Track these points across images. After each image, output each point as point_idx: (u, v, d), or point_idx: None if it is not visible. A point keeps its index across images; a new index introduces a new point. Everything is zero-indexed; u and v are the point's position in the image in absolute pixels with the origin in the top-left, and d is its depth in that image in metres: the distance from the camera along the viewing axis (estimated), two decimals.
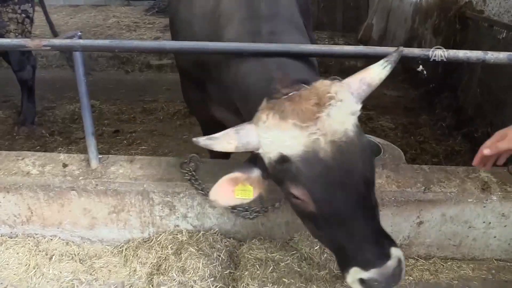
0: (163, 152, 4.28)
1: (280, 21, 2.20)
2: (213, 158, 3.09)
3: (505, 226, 2.61)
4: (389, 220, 2.57)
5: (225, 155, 3.08)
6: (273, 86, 1.70)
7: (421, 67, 2.45)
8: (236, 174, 1.73)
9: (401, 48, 1.87)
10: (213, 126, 3.14)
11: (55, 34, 5.13)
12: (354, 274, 1.62)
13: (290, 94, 1.66)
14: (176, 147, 4.39)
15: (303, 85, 1.67)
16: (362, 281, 1.61)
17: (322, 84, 1.65)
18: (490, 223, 2.61)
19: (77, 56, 2.42)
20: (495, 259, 2.73)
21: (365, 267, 1.60)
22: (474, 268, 2.69)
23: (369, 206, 1.66)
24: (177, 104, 5.35)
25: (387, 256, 1.61)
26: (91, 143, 2.67)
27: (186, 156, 2.73)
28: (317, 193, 1.59)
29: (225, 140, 1.66)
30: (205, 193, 2.51)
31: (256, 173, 1.75)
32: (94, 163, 2.71)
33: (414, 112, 5.40)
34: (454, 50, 2.23)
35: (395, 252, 1.63)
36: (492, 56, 2.24)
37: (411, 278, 2.60)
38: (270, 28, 2.13)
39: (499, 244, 2.69)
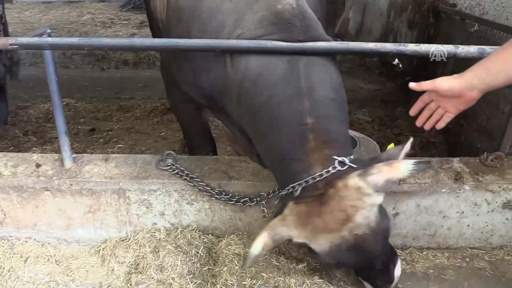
0: (141, 149, 4.24)
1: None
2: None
3: (477, 215, 2.67)
4: None
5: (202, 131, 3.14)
6: (304, 170, 1.90)
7: (396, 60, 2.48)
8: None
9: (433, 160, 2.30)
10: (201, 136, 3.15)
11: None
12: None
13: (317, 192, 1.85)
14: (154, 144, 4.35)
15: (334, 169, 1.84)
16: None
17: (349, 190, 1.79)
18: (463, 212, 2.66)
19: (47, 55, 2.37)
20: (469, 247, 2.80)
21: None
22: (449, 256, 2.75)
23: (382, 257, 2.02)
24: (154, 101, 5.30)
25: (390, 281, 2.08)
26: (64, 142, 2.62)
27: (162, 154, 2.71)
28: (335, 267, 2.23)
29: (263, 246, 1.90)
30: (194, 182, 2.53)
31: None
32: (68, 163, 2.66)
33: (391, 105, 5.46)
34: (426, 45, 2.26)
35: (397, 272, 2.09)
36: (463, 50, 2.27)
37: None
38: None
39: (473, 232, 2.75)
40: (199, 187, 2.51)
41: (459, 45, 2.29)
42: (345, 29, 7.66)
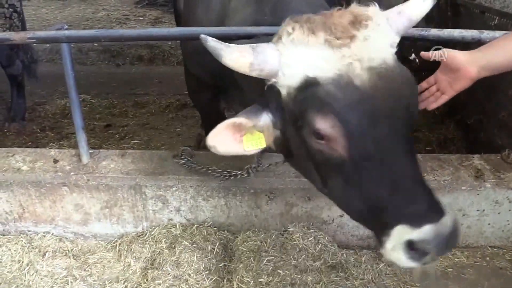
0: (156, 145, 4.24)
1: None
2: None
3: (499, 213, 2.62)
4: None
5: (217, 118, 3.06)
6: None
7: (413, 55, 2.43)
8: (240, 120, 1.45)
9: None
10: (216, 122, 3.14)
11: None
12: (400, 235, 1.25)
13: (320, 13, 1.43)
14: (169, 140, 4.35)
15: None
16: (409, 244, 1.24)
17: (357, 7, 1.41)
18: (484, 210, 2.61)
19: (64, 48, 2.38)
20: (489, 246, 2.74)
21: (415, 223, 1.23)
22: (468, 255, 2.70)
23: (412, 148, 1.36)
24: (169, 97, 5.29)
25: (442, 211, 1.27)
26: (82, 138, 2.64)
27: (178, 149, 2.71)
28: (352, 124, 1.26)
29: (238, 51, 1.38)
30: (210, 173, 2.48)
31: (264, 118, 1.47)
32: (85, 158, 2.68)
33: None
34: (449, 30, 2.21)
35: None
36: (488, 35, 2.22)
37: None
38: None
39: (493, 231, 2.69)
40: (222, 175, 2.46)
41: (484, 30, 2.23)
42: None
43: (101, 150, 2.84)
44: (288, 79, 1.37)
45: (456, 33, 2.20)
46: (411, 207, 1.26)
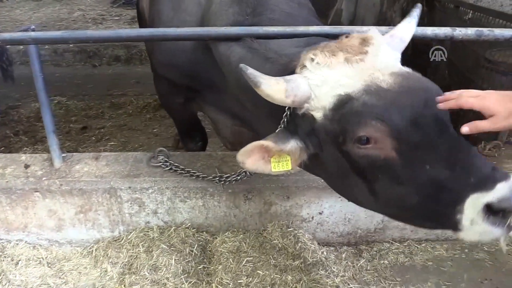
0: (133, 147, 4.17)
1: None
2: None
3: None
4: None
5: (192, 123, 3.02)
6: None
7: None
8: (268, 143, 1.54)
9: (419, 4, 1.86)
10: (191, 126, 3.11)
11: None
12: (475, 204, 1.23)
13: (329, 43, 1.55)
14: (146, 141, 4.29)
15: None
16: (488, 209, 1.22)
17: (359, 34, 1.56)
18: None
19: (32, 50, 2.30)
20: None
21: (487, 186, 1.22)
22: (447, 248, 2.72)
23: (452, 127, 1.40)
24: (146, 97, 5.22)
25: (506, 172, 1.27)
26: (53, 142, 2.57)
27: (154, 151, 2.65)
28: (394, 121, 1.32)
29: (274, 79, 1.48)
30: (190, 174, 2.47)
31: (292, 144, 1.56)
32: (57, 162, 2.60)
33: None
34: (422, 28, 2.21)
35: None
36: (461, 32, 2.23)
37: (386, 262, 2.60)
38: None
39: None
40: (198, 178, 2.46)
41: (456, 28, 2.24)
42: (338, 20, 7.59)
43: (74, 153, 2.76)
44: (320, 101, 1.46)
45: (429, 31, 2.20)
46: (476, 175, 1.26)
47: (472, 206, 1.24)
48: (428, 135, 1.33)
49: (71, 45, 6.85)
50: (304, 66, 1.51)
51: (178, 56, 2.38)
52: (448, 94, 1.41)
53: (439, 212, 1.35)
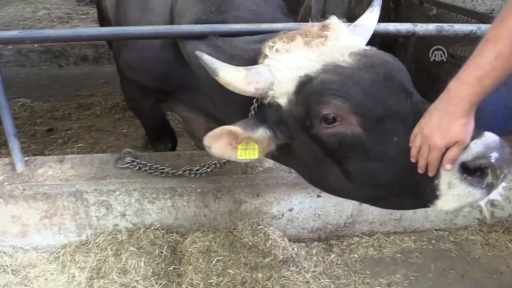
0: (102, 148, 4.08)
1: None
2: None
3: None
4: (331, 201, 2.58)
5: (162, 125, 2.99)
6: None
7: None
8: (236, 129, 1.51)
9: None
10: (160, 128, 3.06)
11: None
12: (448, 171, 1.21)
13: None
14: (115, 142, 4.20)
15: None
16: (465, 169, 1.20)
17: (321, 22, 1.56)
18: None
19: None
20: (434, 230, 2.83)
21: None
22: (415, 240, 2.78)
23: (418, 97, 1.40)
24: (115, 97, 5.12)
25: (479, 130, 1.22)
26: (15, 145, 2.48)
27: (120, 152, 2.61)
28: (354, 96, 1.32)
29: (233, 67, 1.48)
30: (160, 171, 2.45)
31: (261, 133, 1.53)
32: (19, 167, 2.52)
33: None
34: (384, 24, 2.24)
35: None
36: (422, 28, 2.27)
37: (356, 255, 2.63)
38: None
39: (438, 214, 2.78)
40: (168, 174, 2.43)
41: (418, 23, 2.28)
42: (308, 16, 7.64)
43: (37, 157, 2.68)
44: (283, 86, 1.45)
45: (391, 27, 2.23)
46: None
47: (447, 169, 1.22)
48: (390, 106, 1.32)
49: (35, 45, 6.66)
50: (265, 55, 1.51)
51: (148, 58, 2.34)
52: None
53: (415, 183, 1.33)
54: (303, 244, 2.67)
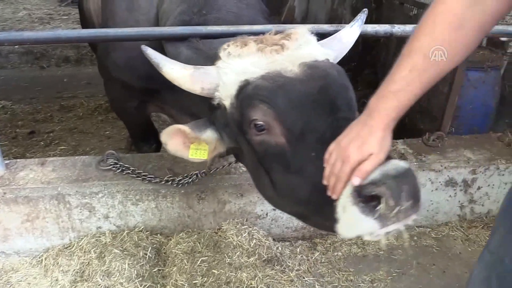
0: (84, 150, 4.05)
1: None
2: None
3: (422, 194, 2.73)
4: None
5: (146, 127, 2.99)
6: None
7: None
8: (184, 128, 1.52)
9: (366, 10, 1.92)
10: (145, 129, 3.06)
11: None
12: (347, 188, 1.15)
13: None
14: (98, 144, 4.17)
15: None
16: (358, 194, 1.12)
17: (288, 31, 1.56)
18: None
19: None
20: (416, 226, 2.87)
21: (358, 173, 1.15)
22: (397, 236, 2.81)
23: (350, 115, 1.36)
24: (98, 99, 5.08)
25: (389, 159, 1.16)
26: None
27: (103, 154, 2.59)
28: (281, 105, 1.32)
29: (180, 64, 1.52)
30: (142, 178, 2.45)
31: (208, 134, 1.56)
32: (0, 170, 2.49)
33: None
34: (363, 25, 2.26)
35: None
36: (399, 29, 2.31)
37: (340, 253, 2.66)
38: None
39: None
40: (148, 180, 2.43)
41: (395, 25, 2.32)
42: (291, 17, 7.68)
43: (18, 160, 2.65)
44: (228, 89, 1.46)
45: (369, 28, 2.26)
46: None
47: (345, 191, 1.16)
48: (310, 121, 1.31)
49: (16, 46, 6.55)
50: (219, 57, 1.53)
51: (135, 57, 2.32)
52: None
53: (325, 204, 1.25)
54: (287, 243, 2.69)
